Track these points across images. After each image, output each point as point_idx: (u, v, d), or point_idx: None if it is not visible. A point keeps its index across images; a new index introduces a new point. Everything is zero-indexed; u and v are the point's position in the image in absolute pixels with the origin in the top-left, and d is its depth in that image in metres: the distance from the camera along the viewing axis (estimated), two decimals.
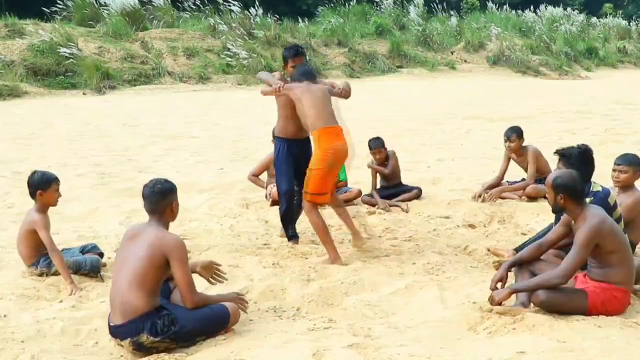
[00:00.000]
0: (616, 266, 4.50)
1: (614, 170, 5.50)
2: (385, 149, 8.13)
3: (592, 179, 5.21)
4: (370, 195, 8.03)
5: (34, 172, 5.55)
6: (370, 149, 8.11)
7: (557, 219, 5.21)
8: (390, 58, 26.35)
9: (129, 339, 4.15)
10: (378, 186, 8.19)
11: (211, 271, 4.73)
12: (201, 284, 4.66)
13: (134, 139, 12.62)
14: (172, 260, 4.20)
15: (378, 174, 8.21)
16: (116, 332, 4.22)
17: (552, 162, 8.33)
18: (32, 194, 5.47)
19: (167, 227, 4.43)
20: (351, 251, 6.06)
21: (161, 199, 4.38)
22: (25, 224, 5.49)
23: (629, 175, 5.44)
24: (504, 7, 34.35)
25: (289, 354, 3.97)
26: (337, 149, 5.74)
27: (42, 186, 5.44)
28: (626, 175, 5.44)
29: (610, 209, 4.91)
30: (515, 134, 7.98)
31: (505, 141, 8.03)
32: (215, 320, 4.34)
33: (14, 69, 19.20)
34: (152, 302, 4.20)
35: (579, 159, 5.12)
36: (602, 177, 5.80)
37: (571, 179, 4.58)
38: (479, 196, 7.82)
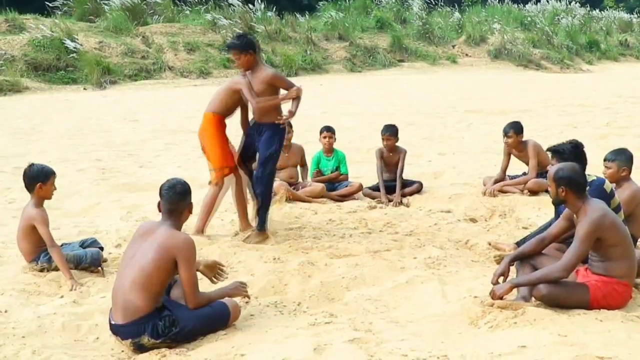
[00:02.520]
0: (618, 260, 4.49)
1: (604, 166, 5.57)
2: (397, 138, 8.14)
3: (587, 172, 5.21)
4: (372, 188, 8.03)
5: (32, 165, 5.52)
6: (382, 134, 8.15)
7: (557, 213, 5.22)
8: (392, 52, 26.32)
9: (129, 340, 4.16)
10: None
11: (214, 271, 4.72)
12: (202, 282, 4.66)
13: (135, 134, 12.62)
14: (179, 260, 4.17)
15: (383, 159, 8.18)
16: (117, 330, 4.21)
17: None
18: (31, 187, 5.44)
19: (181, 227, 4.41)
20: (352, 246, 6.05)
21: (182, 200, 4.36)
22: (23, 220, 5.47)
23: (613, 170, 5.48)
24: (505, 0, 34.30)
25: (290, 348, 3.96)
26: None
27: (43, 179, 5.43)
28: (610, 170, 5.49)
29: (607, 196, 4.94)
30: (512, 129, 7.98)
31: (504, 136, 8.04)
32: (216, 319, 4.34)
33: (14, 64, 19.20)
34: (154, 304, 4.18)
35: (573, 154, 5.14)
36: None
37: (573, 171, 4.58)
38: (491, 192, 7.79)
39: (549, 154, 5.39)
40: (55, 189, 5.57)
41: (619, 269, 4.49)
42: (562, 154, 5.16)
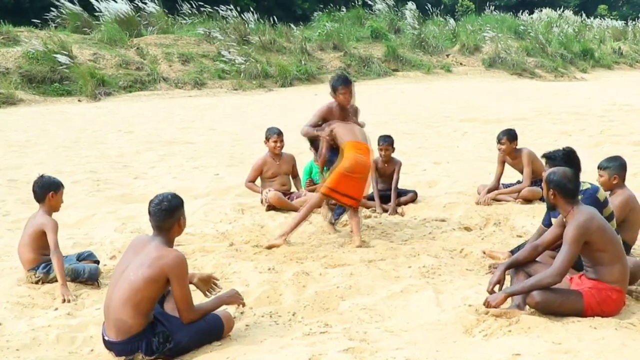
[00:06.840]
0: (608, 264, 4.51)
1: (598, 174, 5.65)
2: (393, 149, 8.15)
3: (583, 179, 5.25)
4: (366, 198, 8.01)
5: (43, 176, 5.61)
6: (379, 144, 8.12)
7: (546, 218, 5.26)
8: (386, 61, 26.39)
9: (123, 357, 4.15)
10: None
11: (208, 285, 4.69)
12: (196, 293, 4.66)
13: (130, 145, 12.61)
14: (171, 278, 4.12)
15: (377, 170, 8.17)
16: (110, 347, 4.20)
17: None
18: (42, 195, 5.49)
19: (172, 243, 4.34)
20: (346, 255, 6.05)
21: (168, 217, 4.25)
22: (32, 226, 5.48)
23: (605, 179, 5.59)
24: (499, 9, 34.47)
25: (285, 358, 3.96)
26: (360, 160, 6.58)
27: (54, 189, 5.52)
28: (602, 179, 5.59)
29: (600, 205, 4.97)
30: (506, 136, 8.00)
31: (497, 143, 8.07)
32: (210, 333, 4.32)
33: (9, 76, 19.21)
34: (146, 321, 4.16)
35: (564, 160, 5.20)
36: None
37: (563, 176, 4.62)
38: (485, 201, 7.81)
39: (544, 160, 5.45)
40: (62, 202, 5.65)
41: (611, 274, 4.51)
42: (554, 160, 5.24)
